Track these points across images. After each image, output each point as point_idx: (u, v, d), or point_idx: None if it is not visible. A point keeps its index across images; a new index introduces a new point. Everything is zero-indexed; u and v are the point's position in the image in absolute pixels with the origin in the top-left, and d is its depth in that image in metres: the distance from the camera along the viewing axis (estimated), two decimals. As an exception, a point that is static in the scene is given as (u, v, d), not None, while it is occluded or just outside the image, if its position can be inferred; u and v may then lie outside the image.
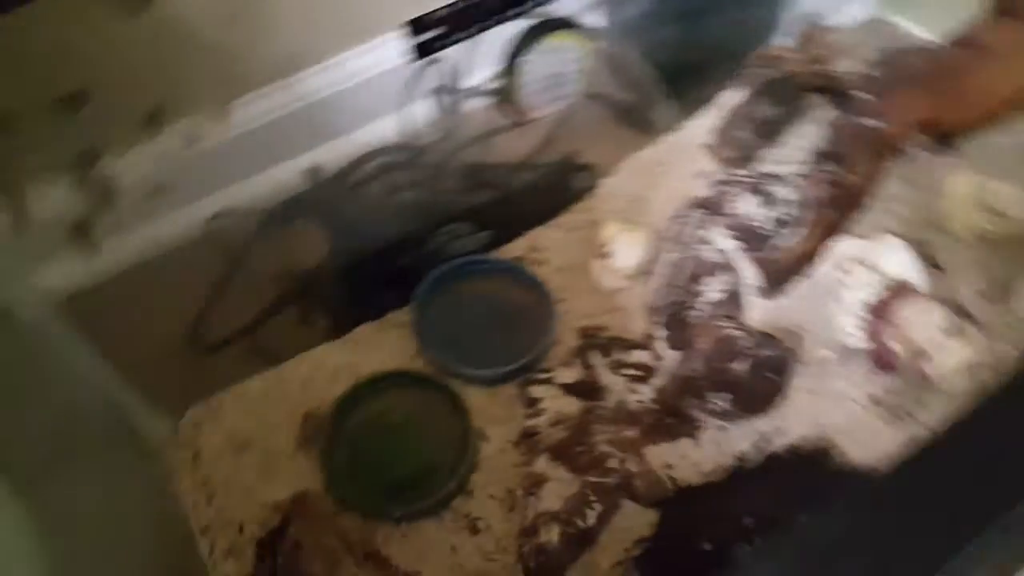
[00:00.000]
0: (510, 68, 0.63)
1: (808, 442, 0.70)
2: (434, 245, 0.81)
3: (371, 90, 0.76)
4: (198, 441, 0.73)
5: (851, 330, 0.75)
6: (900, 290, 0.73)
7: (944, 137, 0.84)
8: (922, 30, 1.00)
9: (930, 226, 0.82)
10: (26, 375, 0.63)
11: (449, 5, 0.61)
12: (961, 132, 0.83)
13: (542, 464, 0.70)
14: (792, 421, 0.72)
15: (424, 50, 0.63)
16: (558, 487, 0.69)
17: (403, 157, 0.87)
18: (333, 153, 0.80)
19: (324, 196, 0.85)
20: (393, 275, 0.84)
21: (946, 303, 0.72)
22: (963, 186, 0.79)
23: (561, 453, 0.70)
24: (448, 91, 0.75)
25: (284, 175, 0.79)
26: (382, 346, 0.81)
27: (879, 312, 0.72)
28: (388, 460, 0.73)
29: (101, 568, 0.59)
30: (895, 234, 0.79)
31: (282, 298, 0.87)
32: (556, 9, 0.64)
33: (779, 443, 0.71)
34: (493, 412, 0.75)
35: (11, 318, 0.66)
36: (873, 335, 0.72)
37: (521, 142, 0.90)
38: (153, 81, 0.66)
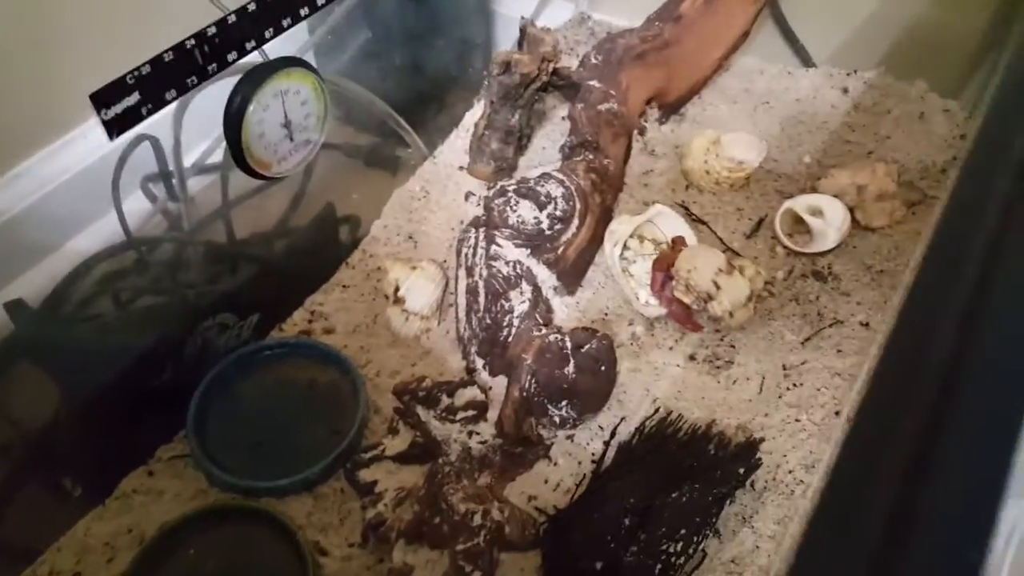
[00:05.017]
0: (236, 126, 0.53)
1: (650, 420, 0.70)
2: (193, 349, 0.67)
3: (72, 193, 0.61)
4: None
5: (648, 299, 0.76)
6: (675, 247, 0.76)
7: (672, 105, 0.91)
8: (621, 20, 1.08)
9: (683, 187, 0.87)
10: None
11: (134, 71, 0.50)
12: (686, 97, 0.90)
13: (399, 554, 0.60)
14: (629, 406, 0.71)
15: (117, 126, 0.51)
16: (427, 572, 0.59)
17: (129, 260, 0.72)
18: (40, 277, 0.63)
19: (38, 332, 0.67)
20: (150, 401, 0.68)
21: (715, 248, 0.77)
22: (700, 145, 0.85)
23: (417, 533, 0.61)
24: (166, 173, 0.63)
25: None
26: (161, 492, 0.65)
27: (663, 272, 0.75)
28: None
29: None
30: (658, 202, 0.83)
31: (16, 474, 0.67)
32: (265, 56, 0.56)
33: (625, 432, 0.69)
34: (324, 518, 0.64)
35: None
36: (664, 294, 0.75)
37: (270, 207, 0.80)
38: None
